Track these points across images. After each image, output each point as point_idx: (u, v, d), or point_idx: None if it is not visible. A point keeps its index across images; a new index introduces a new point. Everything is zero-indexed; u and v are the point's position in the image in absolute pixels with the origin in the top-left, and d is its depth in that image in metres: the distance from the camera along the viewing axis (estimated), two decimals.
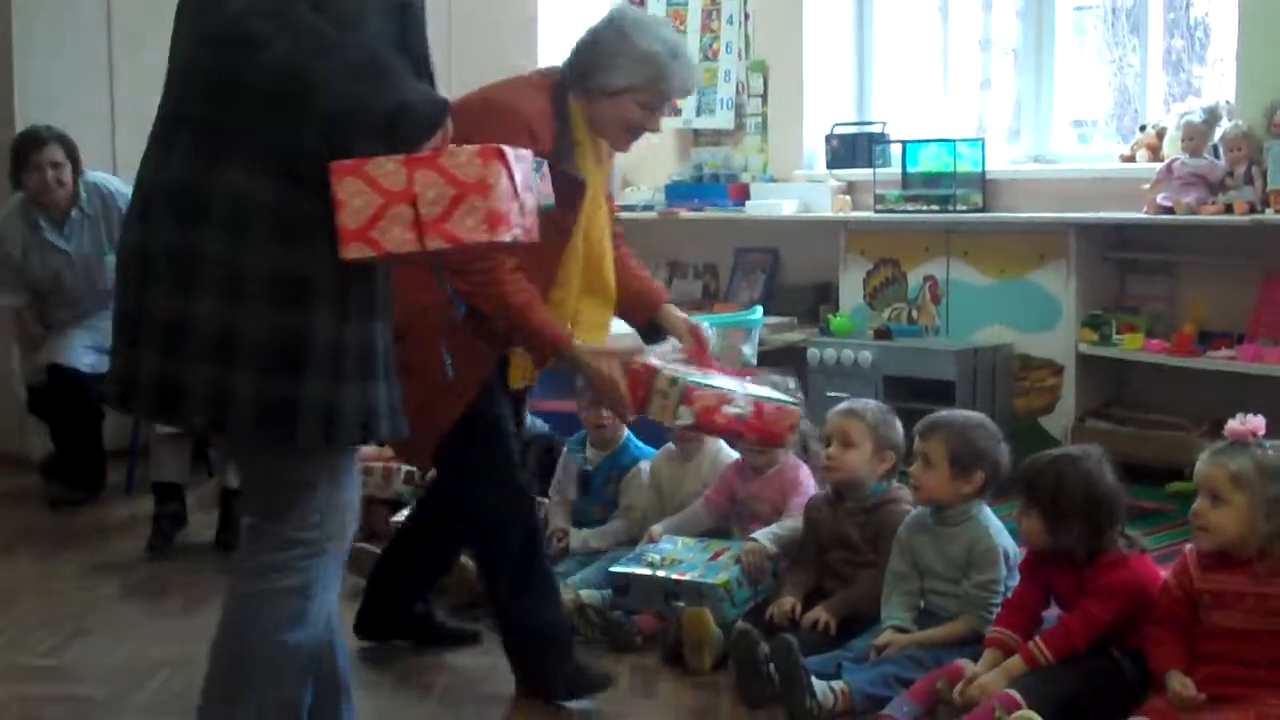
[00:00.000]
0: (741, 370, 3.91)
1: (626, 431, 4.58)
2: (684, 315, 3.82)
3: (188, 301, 2.37)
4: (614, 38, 3.44)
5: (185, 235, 2.38)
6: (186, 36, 2.43)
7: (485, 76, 3.54)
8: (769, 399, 3.59)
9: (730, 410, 3.49)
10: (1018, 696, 3.04)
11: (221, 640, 2.53)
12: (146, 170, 2.49)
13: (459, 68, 5.25)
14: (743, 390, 3.57)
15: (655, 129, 3.55)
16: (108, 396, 2.53)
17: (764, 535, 3.95)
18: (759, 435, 3.61)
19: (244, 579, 2.53)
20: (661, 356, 3.61)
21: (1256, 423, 3.13)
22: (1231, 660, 3.06)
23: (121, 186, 5.68)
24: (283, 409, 2.37)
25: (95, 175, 5.79)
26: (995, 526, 3.60)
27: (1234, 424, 3.16)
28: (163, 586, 4.59)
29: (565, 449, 4.72)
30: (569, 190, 3.33)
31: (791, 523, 3.99)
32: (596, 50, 3.45)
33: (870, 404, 3.97)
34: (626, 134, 3.54)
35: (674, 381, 3.46)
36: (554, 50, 7.77)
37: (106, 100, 6.56)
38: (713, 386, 3.51)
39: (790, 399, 3.68)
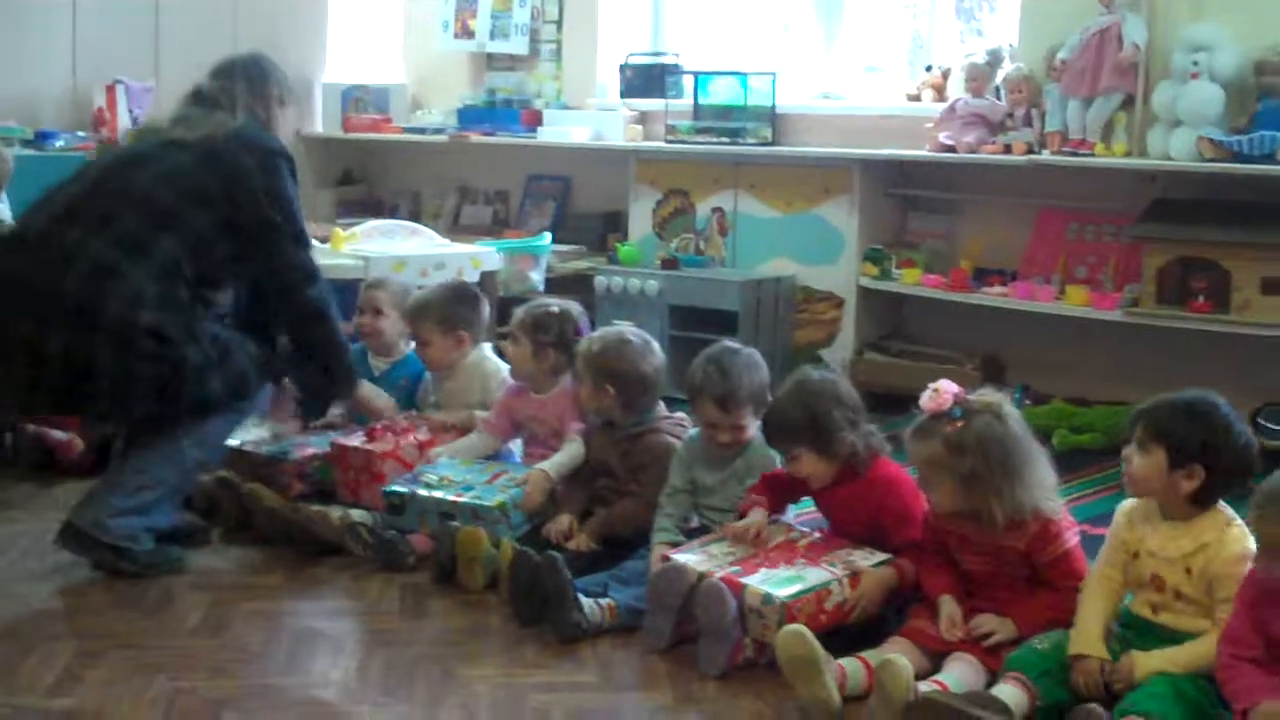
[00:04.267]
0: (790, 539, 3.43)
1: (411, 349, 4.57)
2: None
3: None
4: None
5: None
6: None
7: None
8: (858, 565, 3.25)
9: (831, 603, 3.15)
10: None
11: None
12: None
13: None
14: (830, 568, 3.22)
15: None
16: None
17: (549, 465, 3.93)
18: (865, 611, 3.21)
19: None
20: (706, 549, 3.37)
21: (947, 393, 3.08)
22: (980, 598, 3.12)
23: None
24: None
25: None
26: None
27: (926, 398, 3.11)
28: None
29: None
30: None
31: (575, 448, 3.98)
32: None
33: (597, 338, 3.91)
34: None
35: (767, 600, 3.10)
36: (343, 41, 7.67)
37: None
38: (806, 586, 3.14)
39: (882, 558, 3.29)
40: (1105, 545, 3.01)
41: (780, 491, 3.52)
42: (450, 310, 4.38)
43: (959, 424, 3.04)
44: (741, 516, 3.49)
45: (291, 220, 3.86)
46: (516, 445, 4.28)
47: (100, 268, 3.56)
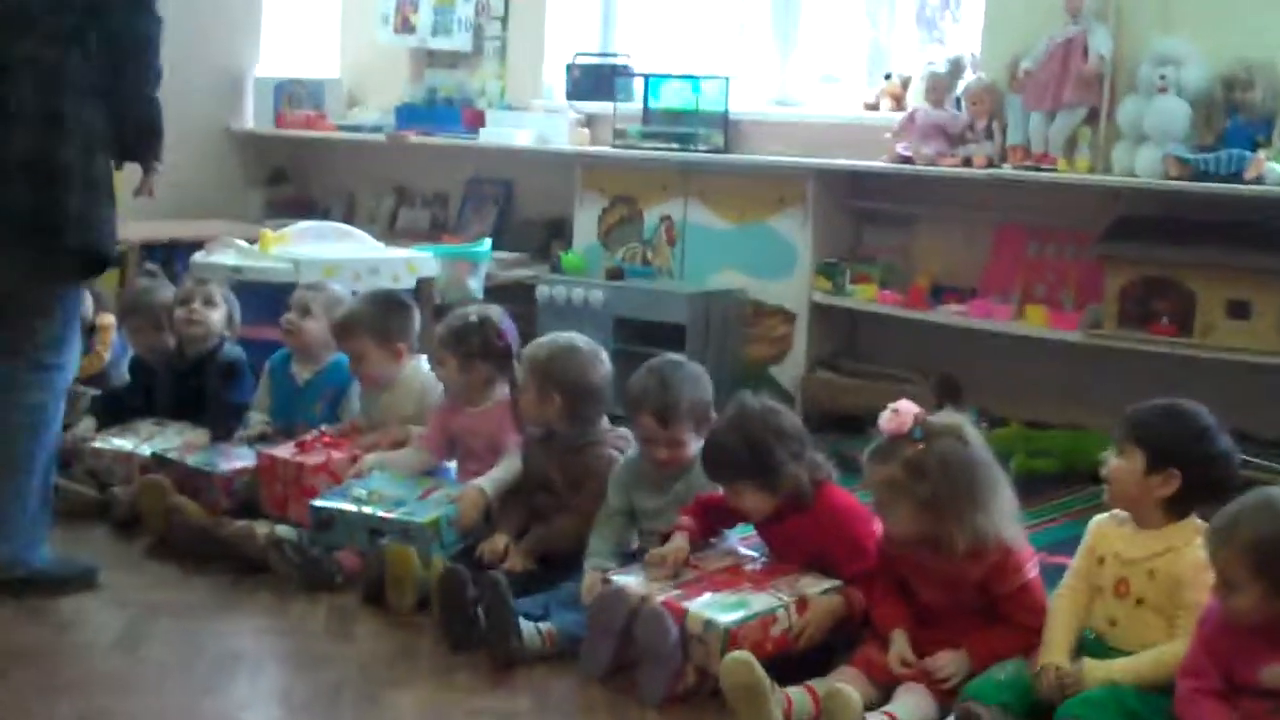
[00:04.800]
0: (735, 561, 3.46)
1: (338, 355, 4.55)
2: None
3: None
4: None
5: None
6: None
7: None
8: (805, 592, 3.25)
9: (777, 630, 3.14)
10: None
11: None
12: None
13: None
14: (777, 594, 3.22)
15: None
16: None
17: (485, 481, 3.91)
18: (812, 639, 3.22)
19: None
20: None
21: (907, 414, 3.07)
22: (930, 626, 3.13)
23: None
24: None
25: None
26: None
27: (885, 419, 3.10)
28: None
29: (268, 367, 4.69)
30: None
31: (513, 463, 3.97)
32: None
33: (545, 344, 3.92)
34: None
35: (710, 626, 3.09)
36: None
37: None
38: (751, 613, 3.13)
39: (830, 584, 3.29)
40: (1075, 558, 3.06)
41: (715, 516, 3.52)
42: (385, 321, 4.36)
43: (919, 446, 3.04)
44: (666, 539, 3.48)
45: None
46: (452, 464, 4.27)
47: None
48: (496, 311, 4.18)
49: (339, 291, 4.70)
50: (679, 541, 3.41)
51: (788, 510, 3.37)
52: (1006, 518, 3.05)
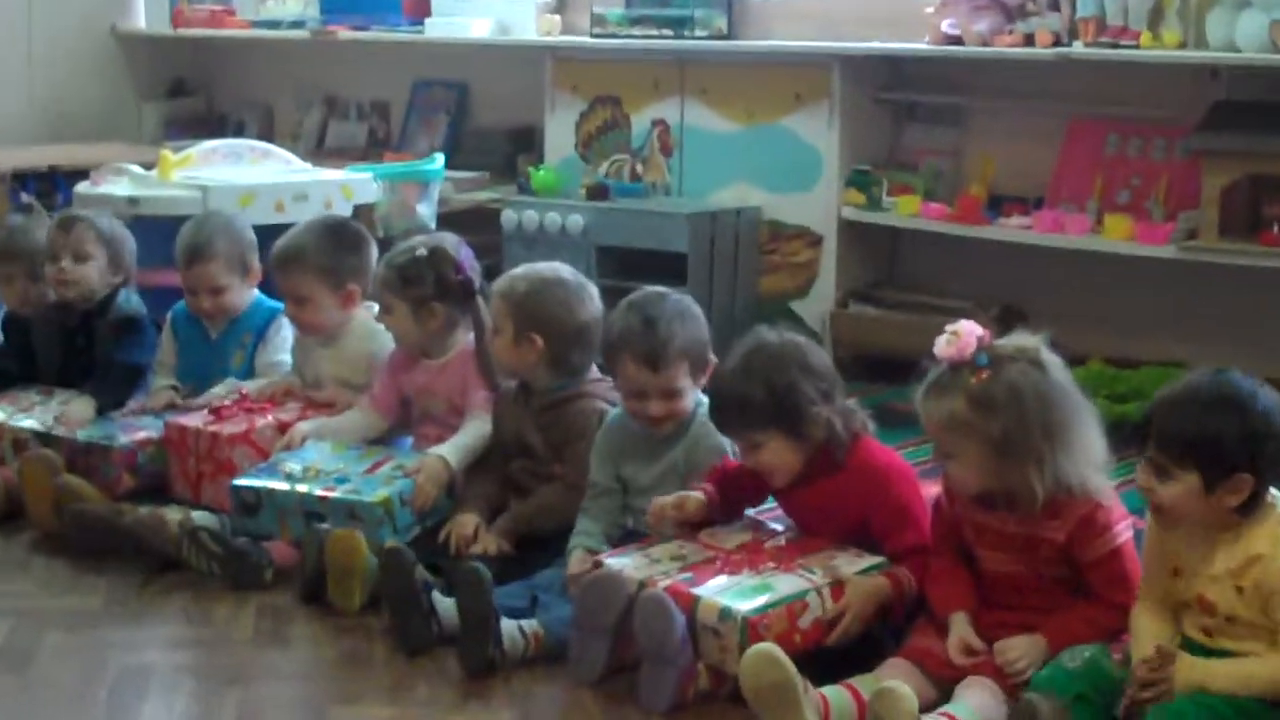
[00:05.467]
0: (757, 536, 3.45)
1: (255, 294, 4.59)
2: None
3: None
4: None
5: None
6: None
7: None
8: (841, 572, 3.25)
9: (807, 619, 3.13)
10: None
11: None
12: None
13: None
14: (807, 575, 3.21)
15: None
16: None
17: (448, 449, 3.92)
18: (850, 629, 3.19)
19: None
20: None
21: (970, 336, 3.06)
22: (1000, 606, 3.13)
23: None
24: None
25: None
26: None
27: (943, 345, 3.08)
28: None
29: (169, 318, 4.69)
30: None
31: (480, 426, 3.98)
32: None
33: (522, 276, 3.92)
34: None
35: (725, 614, 3.09)
36: None
37: None
38: (775, 598, 3.13)
39: (872, 562, 3.30)
40: (1143, 566, 3.02)
41: (734, 489, 3.51)
42: (335, 258, 4.34)
43: (986, 374, 3.03)
44: None
45: None
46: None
47: None
48: (450, 240, 4.17)
49: (237, 231, 4.61)
50: (697, 495, 3.42)
51: (817, 471, 3.37)
52: (1094, 463, 3.03)
